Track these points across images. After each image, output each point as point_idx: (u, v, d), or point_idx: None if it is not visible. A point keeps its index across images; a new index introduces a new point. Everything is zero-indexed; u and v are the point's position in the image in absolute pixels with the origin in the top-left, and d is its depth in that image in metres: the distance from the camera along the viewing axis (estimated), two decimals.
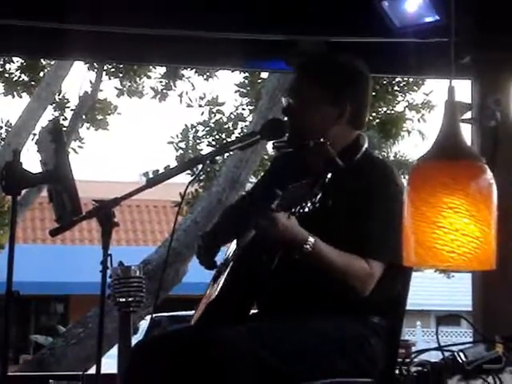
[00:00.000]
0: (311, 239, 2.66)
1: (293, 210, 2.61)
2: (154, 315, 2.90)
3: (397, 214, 2.64)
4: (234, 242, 2.99)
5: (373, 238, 2.78)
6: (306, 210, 2.58)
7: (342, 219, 2.77)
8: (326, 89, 2.89)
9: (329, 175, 2.54)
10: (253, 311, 2.95)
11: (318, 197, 2.55)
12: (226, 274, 2.90)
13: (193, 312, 2.95)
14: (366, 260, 2.74)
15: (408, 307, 3.02)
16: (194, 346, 2.64)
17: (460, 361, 2.78)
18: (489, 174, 1.99)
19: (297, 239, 2.66)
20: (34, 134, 9.65)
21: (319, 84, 2.90)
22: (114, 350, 2.89)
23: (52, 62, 10.15)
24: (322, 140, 2.60)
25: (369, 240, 2.77)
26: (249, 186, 8.78)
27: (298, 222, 2.66)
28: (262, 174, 3.79)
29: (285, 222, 2.62)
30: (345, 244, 2.73)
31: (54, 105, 10.65)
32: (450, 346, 2.82)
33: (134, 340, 2.78)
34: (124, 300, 2.62)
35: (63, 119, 10.52)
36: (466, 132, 4.06)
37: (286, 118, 2.96)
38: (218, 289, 2.87)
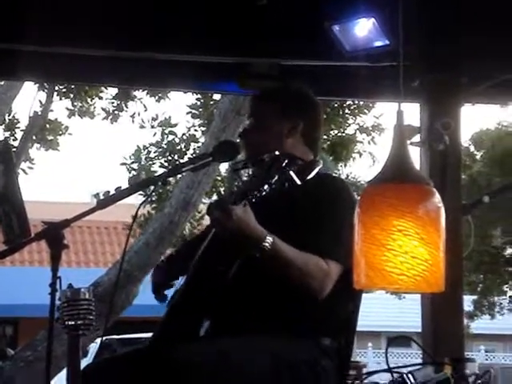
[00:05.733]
0: (269, 237, 2.66)
1: (249, 196, 2.60)
2: (104, 338, 2.86)
3: (351, 224, 2.67)
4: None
5: (331, 239, 2.79)
6: (264, 193, 2.59)
7: (300, 209, 2.81)
8: (275, 103, 3.04)
9: (286, 161, 2.56)
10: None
11: (275, 179, 2.56)
12: (179, 289, 2.90)
13: (143, 335, 2.94)
14: (324, 260, 2.76)
15: (359, 328, 3.03)
16: (145, 369, 2.62)
17: (409, 382, 2.79)
18: (437, 197, 2.02)
19: (254, 235, 2.65)
20: None
21: (269, 100, 3.07)
22: (63, 374, 2.85)
23: (2, 83, 10.05)
24: (276, 153, 2.62)
25: (327, 240, 2.79)
26: (201, 208, 8.78)
27: (255, 205, 2.64)
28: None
29: (240, 215, 2.61)
30: (303, 238, 2.75)
31: (3, 125, 10.54)
32: (399, 367, 2.84)
33: (84, 363, 2.75)
34: (73, 323, 2.58)
35: (13, 140, 10.41)
36: (415, 155, 4.11)
37: (241, 141, 3.06)
38: (170, 306, 2.87)
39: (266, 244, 2.65)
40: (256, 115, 3.09)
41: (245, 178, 2.93)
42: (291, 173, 2.62)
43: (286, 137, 2.99)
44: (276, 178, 2.56)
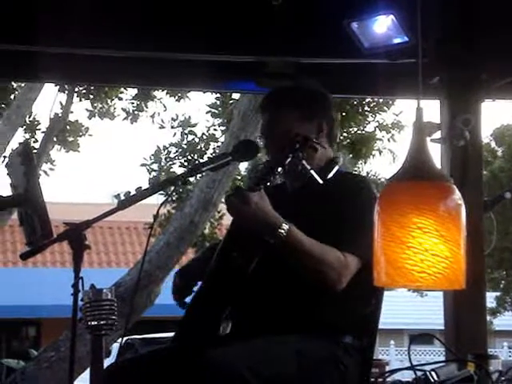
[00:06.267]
0: (285, 225, 2.67)
1: (265, 180, 2.65)
2: (126, 338, 2.87)
3: (371, 220, 2.68)
4: None
5: (350, 233, 2.80)
6: (278, 176, 2.61)
7: (321, 206, 2.83)
8: (298, 109, 2.99)
9: (298, 142, 2.59)
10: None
11: (288, 160, 2.59)
12: (199, 288, 2.91)
13: (165, 334, 2.95)
14: (341, 252, 2.76)
15: (381, 326, 3.03)
16: (169, 369, 2.63)
17: (432, 380, 2.78)
18: (457, 194, 2.01)
19: (270, 220, 2.67)
20: (5, 157, 9.59)
21: (291, 107, 3.00)
22: (87, 374, 2.87)
23: (22, 85, 10.10)
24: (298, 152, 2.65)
25: (346, 234, 2.79)
26: (221, 207, 8.77)
27: (277, 203, 2.67)
28: None
29: (257, 200, 2.64)
30: (322, 233, 2.75)
31: (24, 127, 10.59)
32: (422, 365, 2.83)
33: (107, 363, 2.76)
34: (95, 323, 2.60)
35: (34, 141, 10.46)
36: (436, 152, 4.09)
37: (266, 149, 3.04)
38: (190, 303, 2.88)
39: (282, 231, 2.67)
40: (279, 122, 3.00)
41: None
42: (312, 172, 2.64)
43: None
44: (289, 159, 2.59)
